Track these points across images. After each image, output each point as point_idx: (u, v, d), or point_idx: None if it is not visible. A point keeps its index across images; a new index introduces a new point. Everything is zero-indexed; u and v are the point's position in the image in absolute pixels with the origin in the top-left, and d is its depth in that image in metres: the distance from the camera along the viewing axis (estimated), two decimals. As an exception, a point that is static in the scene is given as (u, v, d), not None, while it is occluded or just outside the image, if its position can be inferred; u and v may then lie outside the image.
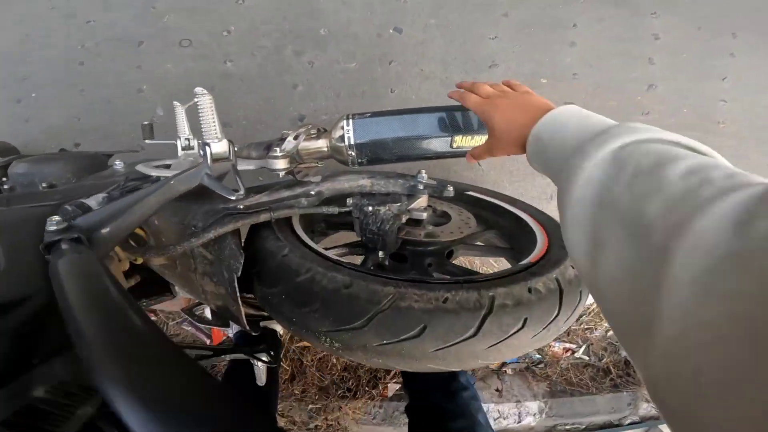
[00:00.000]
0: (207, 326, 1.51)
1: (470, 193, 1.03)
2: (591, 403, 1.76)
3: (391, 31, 1.40)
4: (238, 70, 1.40)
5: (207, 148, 0.60)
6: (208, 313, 1.11)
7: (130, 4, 1.38)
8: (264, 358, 1.00)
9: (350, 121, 0.72)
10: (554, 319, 0.56)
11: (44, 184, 0.86)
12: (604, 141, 0.33)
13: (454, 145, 0.73)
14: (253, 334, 0.74)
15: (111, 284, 0.31)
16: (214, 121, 0.60)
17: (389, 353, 0.56)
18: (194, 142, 0.89)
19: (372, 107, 1.42)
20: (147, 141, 0.97)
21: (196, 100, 0.58)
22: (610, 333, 1.84)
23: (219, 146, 0.61)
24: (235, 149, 0.64)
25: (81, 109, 1.42)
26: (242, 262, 0.65)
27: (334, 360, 1.73)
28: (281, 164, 0.73)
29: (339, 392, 1.72)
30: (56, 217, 0.54)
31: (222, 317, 0.93)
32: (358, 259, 0.86)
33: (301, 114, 1.43)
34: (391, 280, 0.58)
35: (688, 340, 0.19)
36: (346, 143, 0.72)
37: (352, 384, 1.76)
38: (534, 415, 1.75)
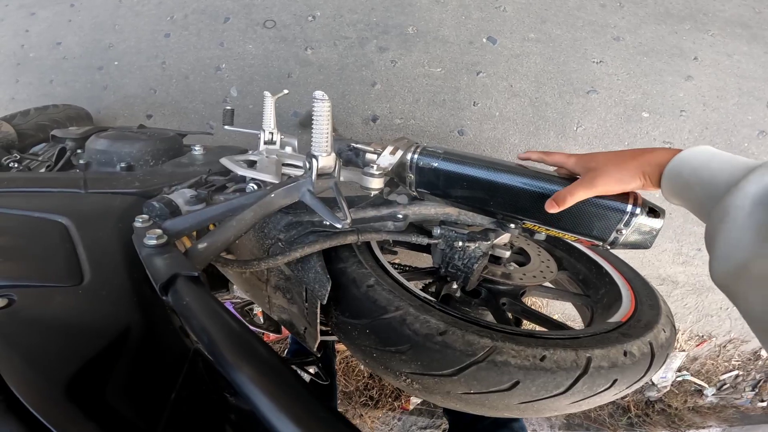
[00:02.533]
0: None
1: None
2: (603, 439, 1.72)
3: (484, 40, 1.29)
4: (318, 59, 1.34)
5: (314, 161, 0.53)
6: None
7: (222, -23, 1.34)
8: (311, 371, 0.95)
9: (413, 166, 0.64)
10: (639, 379, 0.56)
11: (122, 164, 0.83)
12: (761, 175, 0.35)
13: (523, 226, 0.64)
14: (317, 355, 0.69)
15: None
16: (327, 132, 0.53)
17: (471, 402, 0.54)
18: (277, 137, 0.84)
19: (451, 118, 1.36)
20: (226, 126, 0.93)
21: (313, 104, 0.51)
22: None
23: (326, 160, 0.55)
24: (341, 164, 0.58)
25: (158, 82, 1.41)
26: (329, 289, 0.60)
27: (362, 367, 1.69)
28: (376, 184, 0.66)
29: (362, 399, 1.70)
30: (144, 219, 0.49)
31: (278, 326, 0.89)
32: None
33: (375, 114, 1.36)
34: (486, 331, 0.55)
35: None
36: (407, 185, 0.66)
37: (376, 393, 1.74)
38: (546, 445, 1.70)
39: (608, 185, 0.50)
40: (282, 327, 1.02)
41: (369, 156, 0.71)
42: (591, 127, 1.33)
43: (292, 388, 0.26)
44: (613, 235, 0.54)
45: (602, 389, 0.53)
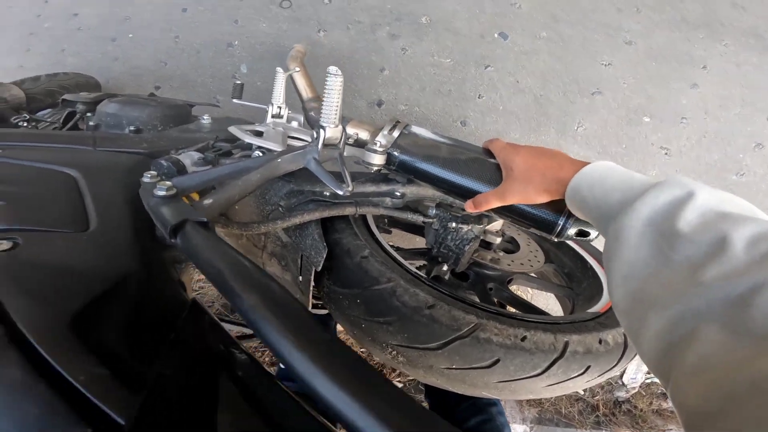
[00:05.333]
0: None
1: None
2: (571, 436, 1.75)
3: (496, 35, 1.30)
4: (330, 42, 1.36)
5: (321, 131, 0.56)
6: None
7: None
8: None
9: (396, 152, 0.65)
10: (610, 369, 0.57)
11: (131, 128, 0.85)
12: (655, 197, 0.34)
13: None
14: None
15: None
16: (337, 105, 0.55)
17: (452, 377, 0.56)
18: (285, 112, 0.86)
19: (455, 108, 1.38)
20: (234, 100, 0.94)
21: (327, 79, 0.53)
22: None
23: (333, 131, 0.57)
24: (347, 138, 0.60)
25: (170, 55, 1.42)
26: (324, 256, 0.62)
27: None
28: (378, 160, 0.68)
29: (346, 382, 1.72)
30: (152, 175, 0.51)
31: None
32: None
33: (380, 99, 1.38)
34: (472, 308, 0.57)
35: None
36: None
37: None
38: (517, 438, 1.73)
39: (516, 199, 0.51)
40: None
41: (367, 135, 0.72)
42: (591, 128, 1.35)
43: (296, 316, 0.27)
44: (555, 233, 0.54)
45: (576, 374, 0.55)
